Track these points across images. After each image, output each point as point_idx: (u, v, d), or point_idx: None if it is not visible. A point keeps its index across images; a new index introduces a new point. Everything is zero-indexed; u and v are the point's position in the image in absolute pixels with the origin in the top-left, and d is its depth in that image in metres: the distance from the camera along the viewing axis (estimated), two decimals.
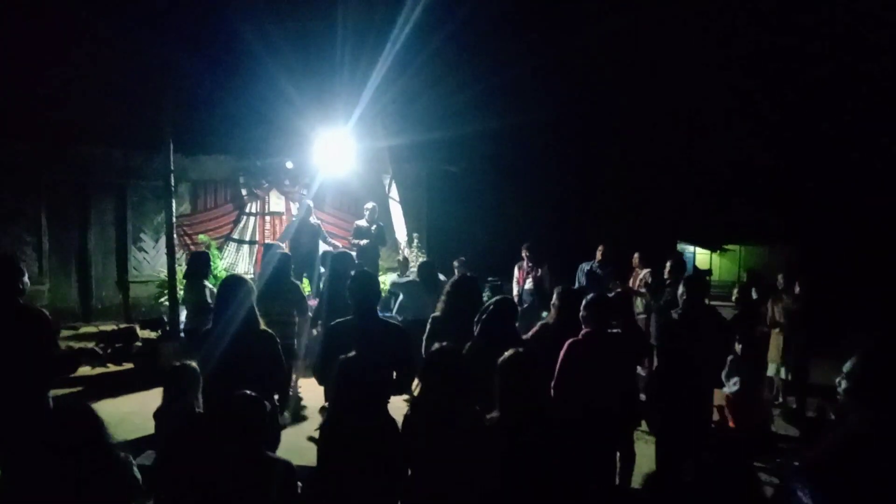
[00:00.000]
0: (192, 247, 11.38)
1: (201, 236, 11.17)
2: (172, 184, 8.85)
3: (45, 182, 10.51)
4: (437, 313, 4.83)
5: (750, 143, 15.67)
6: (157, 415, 4.06)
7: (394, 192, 13.01)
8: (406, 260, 9.87)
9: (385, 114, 11.68)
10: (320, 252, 9.48)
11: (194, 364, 4.04)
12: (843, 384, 2.67)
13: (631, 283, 9.27)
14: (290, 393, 6.86)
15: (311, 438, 3.47)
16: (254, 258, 12.19)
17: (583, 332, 4.46)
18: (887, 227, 13.41)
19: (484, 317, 4.23)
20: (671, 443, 4.69)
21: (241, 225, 12.27)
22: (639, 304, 8.83)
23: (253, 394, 3.21)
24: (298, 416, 6.81)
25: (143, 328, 9.76)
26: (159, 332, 9.41)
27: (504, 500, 2.93)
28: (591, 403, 4.26)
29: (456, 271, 8.79)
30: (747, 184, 15.95)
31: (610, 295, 6.19)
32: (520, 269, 9.40)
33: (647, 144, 15.26)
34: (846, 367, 2.68)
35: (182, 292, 9.27)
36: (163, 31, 9.20)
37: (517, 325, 4.66)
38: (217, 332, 4.05)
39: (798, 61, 14.49)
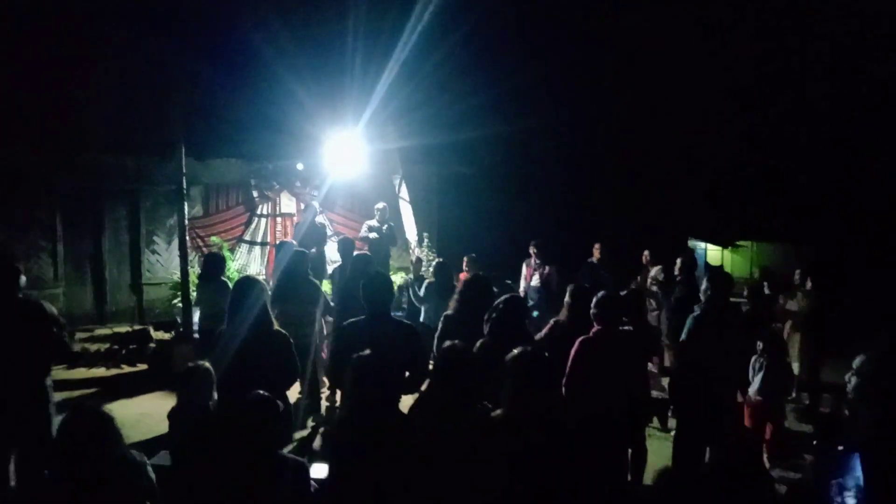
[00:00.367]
0: (204, 249, 11.45)
1: (213, 238, 11.24)
2: (185, 188, 8.92)
3: (59, 190, 10.61)
4: (449, 312, 4.85)
5: (762, 140, 15.58)
6: (172, 415, 4.10)
7: (404, 193, 13.03)
8: (420, 260, 9.90)
9: (396, 116, 11.69)
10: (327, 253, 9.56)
11: (208, 364, 4.08)
12: (853, 381, 2.67)
13: (641, 281, 9.28)
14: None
15: (321, 434, 3.48)
16: (265, 259, 12.26)
17: (594, 330, 4.47)
18: None
19: (493, 315, 4.24)
20: (690, 440, 4.69)
21: (253, 227, 12.34)
22: (651, 301, 8.82)
23: (266, 394, 3.23)
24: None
25: (156, 330, 9.86)
26: (173, 333, 9.49)
27: (510, 498, 2.93)
28: (603, 401, 4.26)
29: (465, 269, 8.82)
30: (759, 180, 15.85)
31: (622, 293, 6.19)
32: (528, 266, 9.45)
33: (657, 143, 15.19)
34: (856, 363, 2.68)
35: (195, 293, 9.39)
36: (174, 38, 9.28)
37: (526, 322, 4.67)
38: (230, 333, 4.09)
39: (811, 57, 14.40)
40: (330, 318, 6.96)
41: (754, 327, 6.21)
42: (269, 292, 4.51)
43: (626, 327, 4.70)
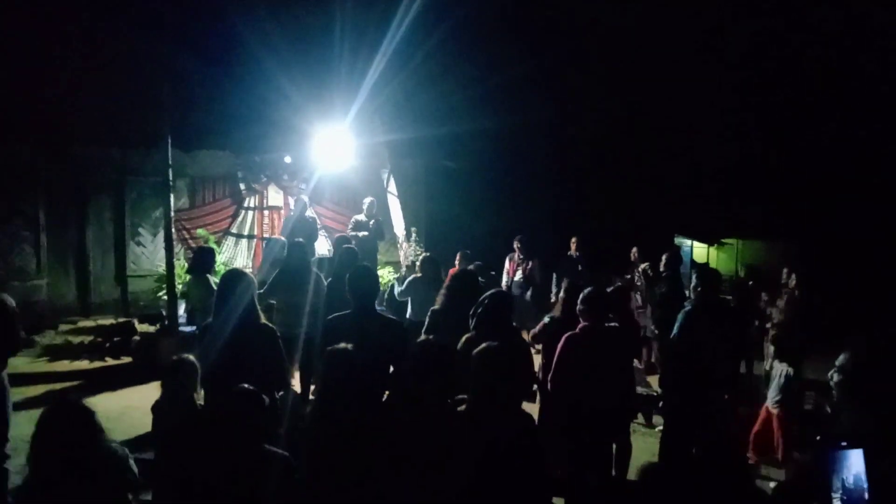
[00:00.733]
0: (190, 241, 11.38)
1: (200, 231, 11.16)
2: (171, 179, 8.85)
3: (43, 180, 10.48)
4: (436, 306, 4.85)
5: (748, 137, 15.68)
6: (156, 408, 4.08)
7: (392, 187, 13.01)
8: (414, 264, 9.92)
9: (383, 109, 11.67)
10: (325, 242, 9.52)
11: (192, 358, 4.06)
12: (835, 377, 2.70)
13: (631, 278, 9.33)
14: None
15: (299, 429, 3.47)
16: (252, 252, 12.20)
17: (580, 326, 4.49)
18: (886, 223, 13.42)
19: (479, 310, 4.25)
20: (678, 435, 4.72)
21: (240, 219, 12.27)
22: (637, 297, 8.88)
23: (252, 388, 3.22)
24: None
25: (141, 322, 9.78)
26: (158, 326, 9.42)
27: (477, 492, 2.93)
28: (589, 396, 4.28)
29: (457, 264, 8.83)
30: (745, 178, 15.96)
31: (609, 289, 6.22)
32: (511, 260, 9.52)
33: (645, 139, 15.26)
34: (839, 360, 2.71)
35: (181, 287, 9.32)
36: (160, 29, 9.19)
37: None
38: (217, 327, 4.07)
39: (796, 55, 14.48)
40: None
41: (740, 322, 6.27)
42: (257, 285, 4.47)
43: (612, 323, 4.72)
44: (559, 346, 4.43)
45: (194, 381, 4.05)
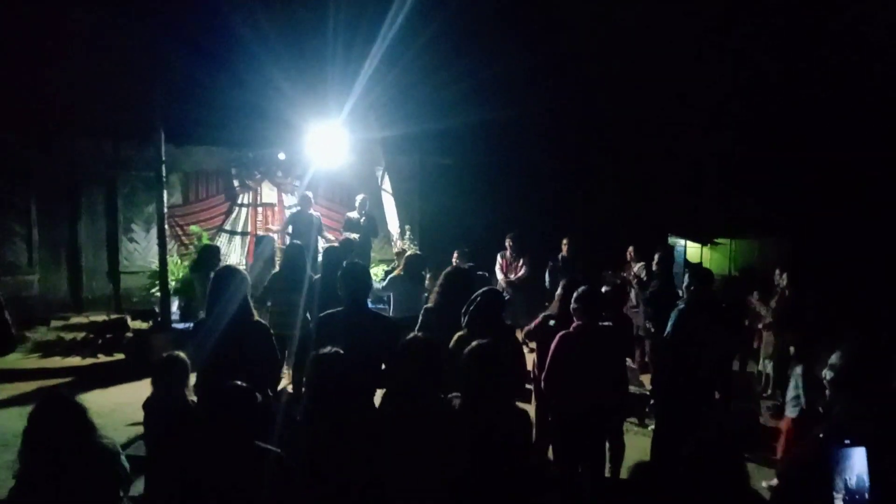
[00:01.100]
0: (183, 238, 11.34)
1: (193, 227, 11.12)
2: (164, 175, 8.81)
3: (35, 173, 10.43)
4: (429, 305, 4.85)
5: (741, 137, 15.71)
6: (147, 405, 4.06)
7: (386, 184, 12.99)
8: (404, 252, 9.88)
9: (378, 105, 11.64)
10: (320, 246, 9.49)
11: (183, 355, 4.05)
12: (829, 375, 2.71)
13: (626, 276, 9.34)
14: None
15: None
16: (246, 250, 12.16)
17: (574, 325, 4.48)
18: (881, 223, 13.47)
19: (471, 308, 4.25)
20: (669, 433, 4.73)
21: (234, 216, 12.23)
22: (632, 296, 8.88)
23: (244, 385, 3.20)
24: None
25: (134, 319, 9.75)
26: (150, 322, 9.40)
27: (469, 487, 2.94)
28: (582, 395, 4.28)
29: (454, 262, 8.81)
30: (738, 177, 15.99)
31: (605, 289, 6.23)
32: (503, 258, 9.50)
33: (639, 138, 15.27)
34: (832, 359, 2.72)
35: (174, 284, 9.29)
36: (153, 22, 9.13)
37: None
38: (210, 323, 4.05)
39: (789, 53, 14.52)
40: None
41: (732, 320, 6.29)
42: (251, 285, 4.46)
43: (605, 322, 4.72)
44: (553, 344, 4.43)
45: (185, 378, 4.03)
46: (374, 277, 7.27)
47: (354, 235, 9.50)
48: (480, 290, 4.41)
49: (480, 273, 8.85)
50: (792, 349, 5.69)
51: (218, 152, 11.95)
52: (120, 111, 9.62)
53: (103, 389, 7.32)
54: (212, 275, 5.03)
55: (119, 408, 6.35)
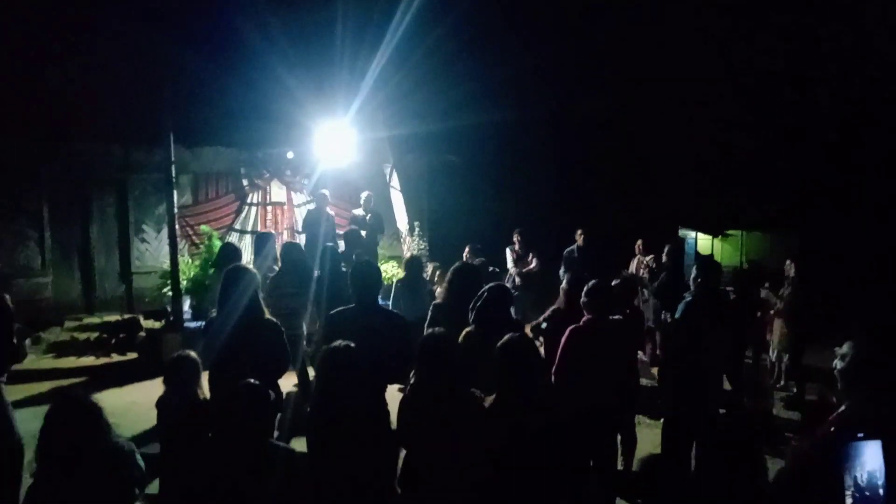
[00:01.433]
0: (193, 238, 11.40)
1: (203, 227, 11.15)
2: (174, 176, 8.86)
3: (46, 177, 10.52)
4: (438, 301, 4.85)
5: (752, 128, 15.61)
6: (160, 404, 4.09)
7: (395, 182, 13.00)
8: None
9: (386, 105, 11.65)
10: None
11: (193, 354, 4.08)
12: (838, 365, 2.69)
13: (633, 269, 9.32)
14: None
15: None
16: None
17: (584, 319, 4.48)
18: (890, 214, 13.37)
19: (478, 304, 4.25)
20: (678, 427, 4.72)
21: (243, 215, 12.28)
22: (643, 291, 8.87)
23: (256, 383, 3.23)
24: None
25: (146, 319, 9.82)
26: (163, 322, 9.46)
27: (501, 484, 2.95)
28: (593, 390, 4.28)
29: (465, 258, 8.81)
30: (749, 169, 15.89)
31: (614, 282, 6.21)
32: (511, 251, 9.48)
33: (648, 131, 15.20)
34: (842, 350, 2.70)
35: (185, 284, 9.33)
36: (162, 25, 9.17)
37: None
38: (220, 322, 4.08)
39: (799, 44, 14.41)
40: None
41: (740, 312, 6.25)
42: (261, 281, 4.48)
43: (616, 316, 4.71)
44: (563, 339, 4.42)
45: (196, 376, 4.06)
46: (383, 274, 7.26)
47: (362, 232, 9.53)
48: (487, 286, 4.41)
49: (492, 269, 8.85)
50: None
51: (227, 153, 11.99)
52: (130, 114, 9.68)
53: (117, 389, 7.38)
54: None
55: (133, 407, 6.40)
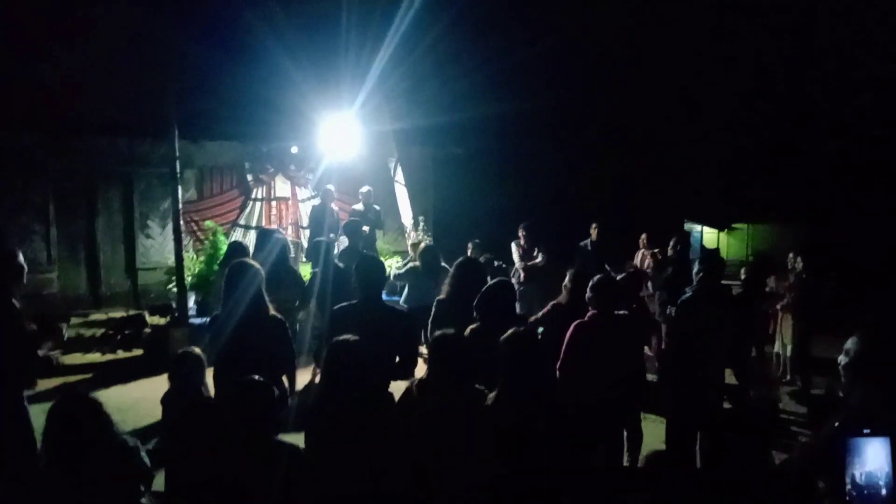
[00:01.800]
0: (199, 233, 11.41)
1: (208, 222, 11.16)
2: (178, 170, 8.86)
3: (52, 171, 10.52)
4: (442, 296, 4.84)
5: (758, 121, 15.53)
6: (165, 400, 4.10)
7: (399, 176, 12.97)
8: (418, 244, 9.87)
9: (390, 98, 11.63)
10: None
11: (197, 350, 4.08)
12: (844, 360, 2.67)
13: (638, 263, 9.28)
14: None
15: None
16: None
17: (589, 314, 4.46)
18: None
19: (483, 299, 4.24)
20: (681, 422, 4.71)
21: (248, 210, 12.28)
22: (647, 283, 8.82)
23: (261, 379, 3.22)
24: None
25: (152, 314, 9.84)
26: (168, 318, 9.47)
27: (509, 479, 2.94)
28: (598, 385, 4.26)
29: (469, 253, 8.78)
30: (756, 162, 15.83)
31: (619, 277, 6.18)
32: (517, 246, 9.44)
33: (654, 124, 15.14)
34: (848, 343, 2.68)
35: (191, 279, 9.34)
36: (166, 18, 9.17)
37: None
38: (224, 318, 4.07)
39: (805, 36, 14.32)
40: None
41: (745, 307, 6.22)
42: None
43: (621, 311, 4.69)
44: (568, 333, 4.41)
45: (201, 373, 4.06)
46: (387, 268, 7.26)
47: (365, 228, 9.52)
48: (491, 282, 4.39)
49: (498, 263, 8.82)
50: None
51: (231, 147, 11.99)
52: (134, 108, 9.68)
53: (123, 385, 7.39)
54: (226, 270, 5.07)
55: (139, 402, 6.41)
